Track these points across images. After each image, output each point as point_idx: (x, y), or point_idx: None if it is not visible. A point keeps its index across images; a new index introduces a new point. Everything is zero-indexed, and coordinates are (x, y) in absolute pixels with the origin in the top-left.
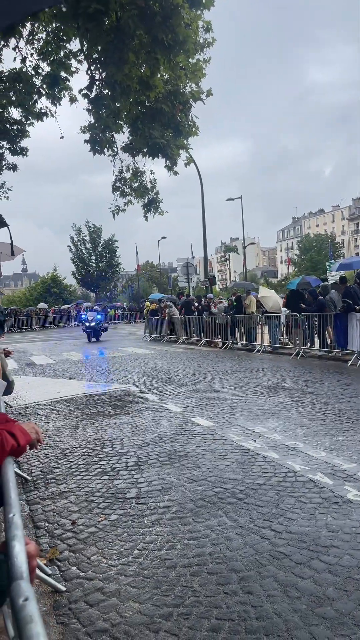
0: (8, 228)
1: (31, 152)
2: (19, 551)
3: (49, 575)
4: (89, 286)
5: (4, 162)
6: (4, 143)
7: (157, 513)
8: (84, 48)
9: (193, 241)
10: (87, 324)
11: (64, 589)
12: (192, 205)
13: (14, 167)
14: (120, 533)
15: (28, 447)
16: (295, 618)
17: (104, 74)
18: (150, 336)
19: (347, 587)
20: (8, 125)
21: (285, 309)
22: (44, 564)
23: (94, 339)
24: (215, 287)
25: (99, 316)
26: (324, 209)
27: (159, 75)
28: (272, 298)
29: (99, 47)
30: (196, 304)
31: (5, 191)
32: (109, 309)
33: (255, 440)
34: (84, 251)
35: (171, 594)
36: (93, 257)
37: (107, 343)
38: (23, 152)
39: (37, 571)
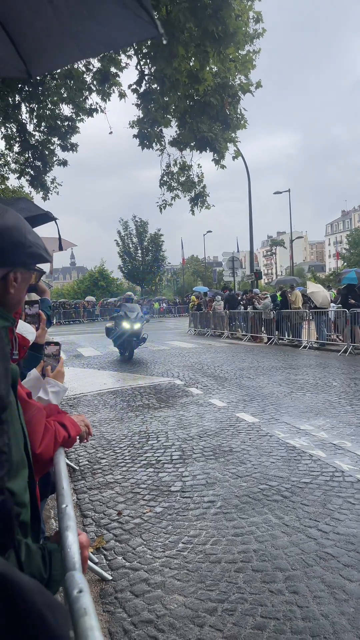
0: (56, 223)
1: (81, 147)
2: (72, 542)
3: (95, 563)
4: (134, 280)
5: (54, 158)
6: (55, 139)
7: (201, 507)
8: (134, 43)
9: (239, 235)
10: (129, 326)
11: (110, 577)
12: (239, 199)
13: (64, 163)
14: (165, 526)
15: (78, 440)
16: (343, 621)
17: (153, 69)
18: (195, 330)
19: None
20: (59, 122)
21: (334, 305)
22: (91, 552)
23: (126, 354)
24: (261, 281)
25: (143, 314)
26: None
27: (208, 68)
28: (321, 293)
29: (149, 42)
30: (239, 298)
31: (56, 186)
32: (153, 302)
33: (303, 437)
34: (131, 245)
35: (216, 589)
36: (139, 251)
37: (152, 336)
38: (73, 147)
39: None
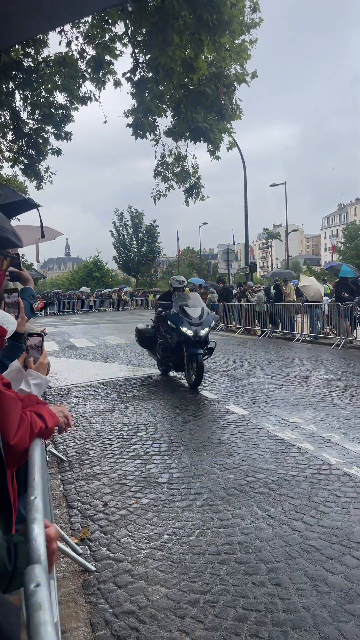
0: (38, 210)
1: (76, 137)
2: (38, 534)
3: (79, 554)
4: (129, 271)
5: (48, 147)
6: (49, 127)
7: (188, 499)
8: (129, 31)
9: (235, 227)
10: (192, 331)
11: (93, 568)
12: (236, 191)
13: (58, 152)
14: (150, 517)
15: (57, 431)
16: (324, 613)
17: (147, 57)
18: None
19: None
20: (53, 110)
21: (327, 298)
22: (75, 543)
23: (178, 373)
24: (256, 274)
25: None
26: None
27: (203, 57)
28: (313, 287)
29: (143, 30)
30: (234, 292)
31: (49, 175)
32: (148, 294)
33: (292, 430)
34: (126, 236)
35: (199, 581)
36: (134, 242)
37: None
38: (67, 136)
39: (68, 550)
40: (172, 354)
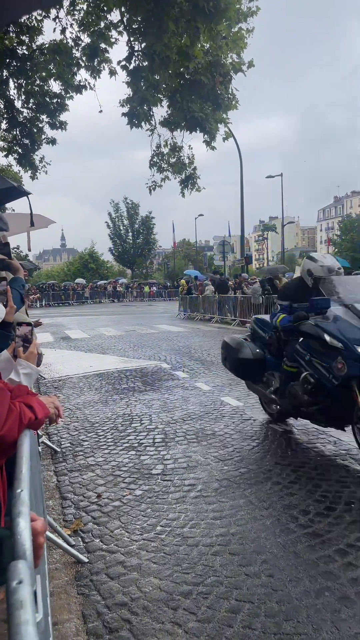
0: (28, 198)
1: (73, 127)
2: (23, 529)
3: (72, 546)
4: (125, 263)
5: (43, 136)
6: (44, 117)
7: (181, 491)
8: (124, 18)
9: (231, 219)
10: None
11: (86, 560)
12: (232, 183)
13: (53, 141)
14: (144, 509)
15: (48, 422)
16: (318, 605)
17: (143, 45)
18: (184, 314)
19: None
20: (48, 99)
21: None
22: (68, 535)
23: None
24: (251, 266)
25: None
26: None
27: (199, 45)
28: None
29: (139, 17)
30: (229, 283)
31: (44, 165)
32: (144, 286)
33: (286, 422)
34: (122, 228)
35: (192, 572)
36: (130, 234)
37: (141, 320)
38: (62, 126)
39: (61, 542)
40: (327, 398)
